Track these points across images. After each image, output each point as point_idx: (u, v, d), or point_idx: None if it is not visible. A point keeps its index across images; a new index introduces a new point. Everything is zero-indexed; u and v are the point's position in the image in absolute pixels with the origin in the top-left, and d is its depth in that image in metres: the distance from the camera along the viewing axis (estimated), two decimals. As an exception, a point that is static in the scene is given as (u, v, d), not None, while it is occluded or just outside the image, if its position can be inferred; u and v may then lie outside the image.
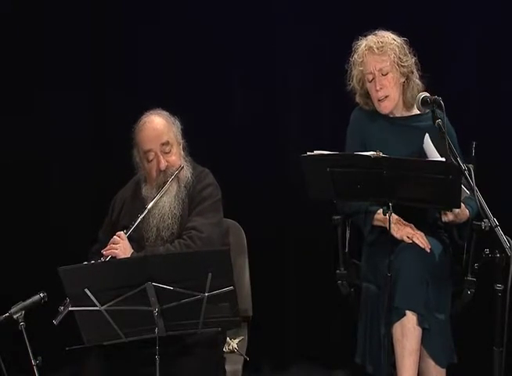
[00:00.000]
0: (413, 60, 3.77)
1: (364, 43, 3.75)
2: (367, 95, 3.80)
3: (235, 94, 4.63)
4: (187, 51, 4.56)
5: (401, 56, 3.72)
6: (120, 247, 3.49)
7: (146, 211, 3.54)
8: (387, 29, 3.77)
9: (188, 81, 4.55)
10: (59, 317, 3.30)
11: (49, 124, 4.56)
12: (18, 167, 4.52)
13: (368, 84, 3.76)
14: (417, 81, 3.77)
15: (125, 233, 3.52)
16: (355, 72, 3.78)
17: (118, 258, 3.41)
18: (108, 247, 3.50)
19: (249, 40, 4.56)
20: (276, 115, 4.62)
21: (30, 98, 4.55)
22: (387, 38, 3.73)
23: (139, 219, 3.54)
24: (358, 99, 3.83)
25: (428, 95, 3.61)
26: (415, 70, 3.77)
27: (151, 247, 3.52)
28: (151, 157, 3.59)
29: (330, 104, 4.56)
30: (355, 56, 3.77)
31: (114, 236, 3.52)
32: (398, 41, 3.75)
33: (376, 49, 3.70)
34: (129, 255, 3.46)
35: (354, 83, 3.80)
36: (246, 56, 4.57)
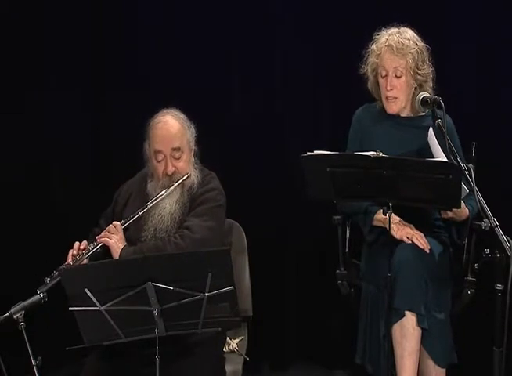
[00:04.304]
0: (430, 70, 3.72)
1: (385, 38, 3.70)
2: (378, 85, 3.77)
3: (235, 94, 4.63)
4: (187, 51, 4.56)
5: (418, 63, 3.67)
6: (114, 237, 3.49)
7: (145, 209, 3.54)
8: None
9: (188, 81, 4.54)
10: (44, 288, 3.31)
11: (49, 124, 4.56)
12: (18, 166, 4.52)
13: (380, 79, 3.73)
14: (430, 90, 3.70)
15: (122, 225, 3.53)
16: (370, 60, 3.74)
17: (110, 246, 3.45)
18: (103, 234, 3.52)
19: (249, 40, 4.56)
20: (276, 115, 4.62)
21: (29, 98, 4.54)
22: (409, 42, 3.67)
23: (138, 215, 3.55)
24: (369, 86, 3.80)
25: (428, 95, 3.62)
26: (430, 80, 3.72)
27: (141, 243, 3.52)
28: (160, 158, 3.58)
29: (330, 104, 4.55)
30: (374, 46, 3.72)
31: (110, 225, 3.53)
32: (420, 45, 3.70)
33: (395, 49, 3.65)
34: (121, 247, 3.47)
35: (368, 70, 3.76)
36: (246, 56, 4.57)
